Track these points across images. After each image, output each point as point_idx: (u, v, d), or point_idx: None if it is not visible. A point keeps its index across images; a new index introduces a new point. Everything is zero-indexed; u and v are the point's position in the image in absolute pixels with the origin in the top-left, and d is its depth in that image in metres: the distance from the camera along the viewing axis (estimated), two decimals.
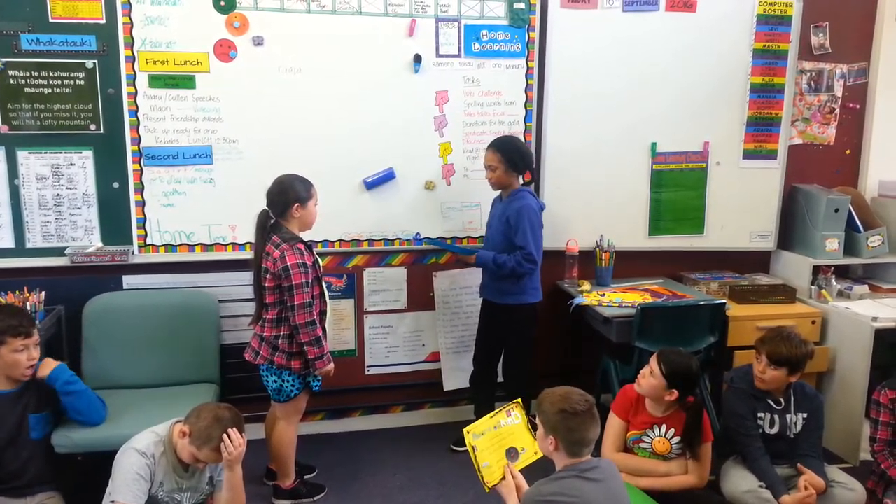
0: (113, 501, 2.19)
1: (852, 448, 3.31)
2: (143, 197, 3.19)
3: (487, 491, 2.18)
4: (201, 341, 3.16)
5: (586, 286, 3.52)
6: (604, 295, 3.41)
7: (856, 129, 3.96)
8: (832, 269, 3.69)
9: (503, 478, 2.16)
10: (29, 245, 3.13)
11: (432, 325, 3.64)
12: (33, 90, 3.03)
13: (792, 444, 2.73)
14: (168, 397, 2.92)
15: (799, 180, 3.86)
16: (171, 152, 3.18)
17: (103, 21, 3.03)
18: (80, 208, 3.15)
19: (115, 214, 3.18)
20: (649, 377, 2.58)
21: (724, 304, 3.28)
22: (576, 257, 3.56)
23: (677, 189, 3.71)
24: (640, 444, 2.65)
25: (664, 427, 2.62)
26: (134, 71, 3.09)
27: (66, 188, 3.13)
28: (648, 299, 3.35)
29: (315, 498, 3.00)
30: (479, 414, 3.18)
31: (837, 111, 3.92)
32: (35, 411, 2.56)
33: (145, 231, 3.21)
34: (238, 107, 3.20)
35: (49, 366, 2.56)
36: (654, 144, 3.65)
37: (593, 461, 2.04)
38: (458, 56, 3.41)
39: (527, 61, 3.49)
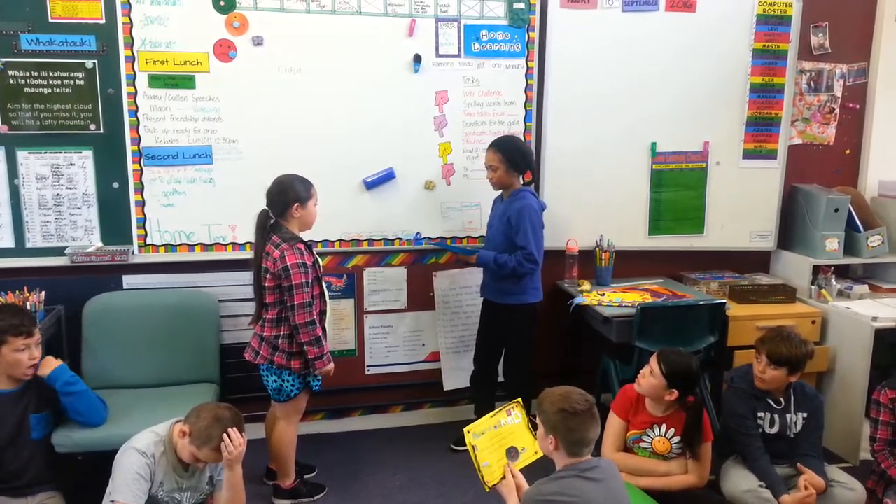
0: (113, 501, 2.19)
1: (852, 448, 3.31)
2: (142, 197, 3.19)
3: (488, 490, 2.18)
4: (201, 341, 3.16)
5: (586, 286, 3.52)
6: (604, 295, 3.41)
7: (855, 129, 3.96)
8: (832, 268, 3.69)
9: (503, 477, 2.16)
10: (29, 245, 3.13)
11: (432, 324, 3.64)
12: (33, 90, 3.03)
13: (792, 444, 2.73)
14: (168, 397, 2.92)
15: (799, 180, 3.87)
16: (170, 152, 3.18)
17: (103, 21, 3.04)
18: (80, 208, 3.15)
19: (115, 214, 3.18)
20: (649, 377, 2.58)
21: (724, 303, 3.29)
22: (576, 257, 3.56)
23: (677, 189, 3.71)
24: (640, 444, 2.65)
25: (664, 427, 2.62)
26: (134, 71, 3.09)
27: (66, 188, 3.13)
28: (648, 299, 3.35)
29: (315, 498, 3.00)
30: (480, 413, 3.18)
31: (837, 111, 3.92)
32: (36, 411, 2.56)
33: (145, 231, 3.21)
34: (238, 107, 3.20)
35: (50, 365, 2.56)
36: (653, 144, 3.65)
37: (593, 461, 2.04)
38: (458, 56, 3.41)
39: (526, 61, 3.49)
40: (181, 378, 3.08)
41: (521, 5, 3.42)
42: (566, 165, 3.59)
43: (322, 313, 2.77)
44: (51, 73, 3.03)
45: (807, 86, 3.86)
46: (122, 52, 3.06)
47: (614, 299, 3.35)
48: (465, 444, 2.26)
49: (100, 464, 2.41)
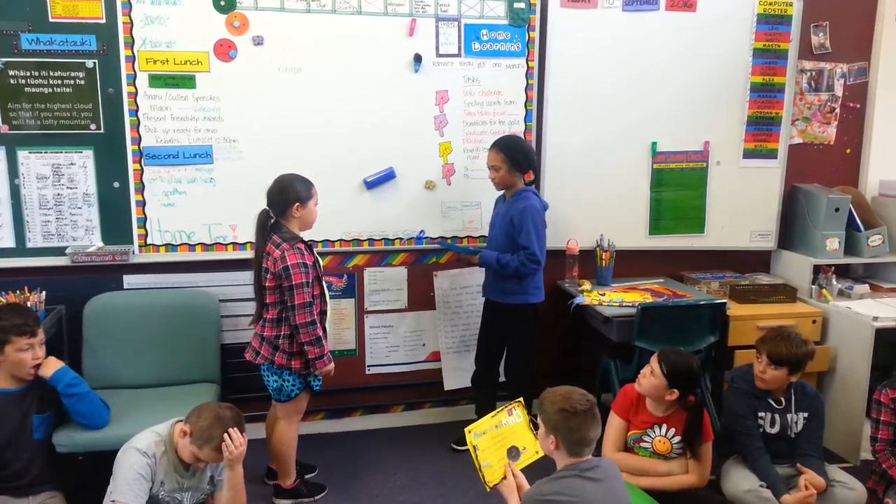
0: (114, 501, 2.19)
1: (853, 447, 3.31)
2: (143, 196, 3.19)
3: (488, 490, 2.18)
4: (202, 341, 3.16)
5: (587, 286, 3.52)
6: (604, 294, 3.41)
7: (856, 129, 3.96)
8: (833, 268, 3.69)
9: (504, 477, 2.16)
10: (29, 245, 3.13)
11: (433, 324, 3.64)
12: (33, 90, 3.03)
13: (792, 444, 2.73)
14: (169, 397, 2.92)
15: (799, 180, 3.86)
16: (171, 152, 3.18)
17: (103, 21, 3.03)
18: (80, 208, 3.15)
19: (116, 214, 3.18)
20: (650, 377, 2.58)
21: (725, 303, 3.28)
22: (576, 257, 3.56)
23: (678, 188, 3.71)
24: (641, 444, 2.65)
25: (665, 427, 2.62)
26: (134, 70, 3.09)
27: (67, 188, 3.13)
28: (649, 299, 3.35)
29: (315, 497, 3.00)
30: (481, 413, 3.17)
31: (838, 110, 3.92)
32: (38, 412, 2.56)
33: (146, 231, 3.21)
34: (238, 106, 3.20)
35: (52, 366, 2.55)
36: (654, 144, 3.65)
37: (594, 461, 2.04)
38: (458, 56, 3.41)
39: (527, 61, 3.49)
40: (182, 378, 3.08)
41: (522, 5, 3.42)
42: (566, 165, 3.59)
43: (322, 313, 2.77)
44: (51, 73, 3.03)
45: (807, 85, 3.85)
46: (123, 52, 3.06)
47: (615, 299, 3.35)
48: (465, 444, 2.26)
49: (100, 464, 2.42)
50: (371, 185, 3.40)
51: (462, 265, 3.56)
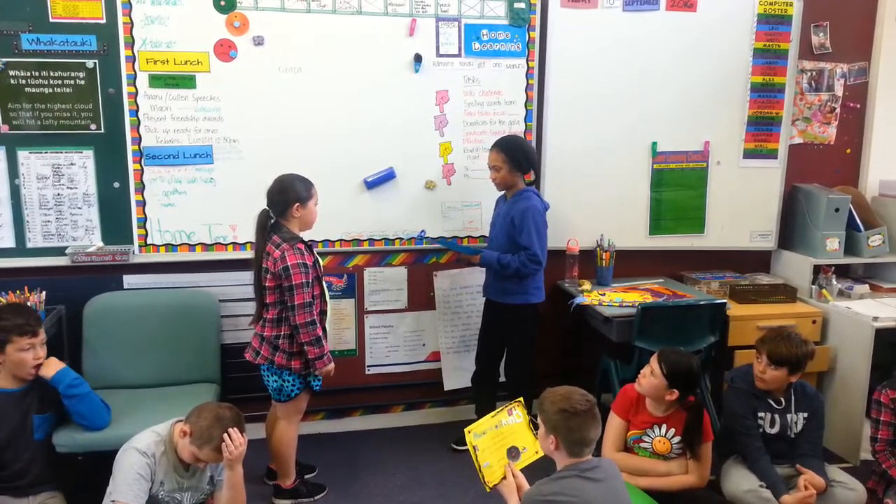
0: (113, 501, 2.19)
1: (853, 448, 3.31)
2: (143, 196, 3.19)
3: (488, 490, 2.18)
4: (202, 341, 3.16)
5: (587, 286, 3.52)
6: (604, 294, 3.41)
7: (856, 129, 3.96)
8: (833, 268, 3.69)
9: (504, 477, 2.16)
10: (29, 245, 3.14)
11: (433, 324, 3.64)
12: (34, 90, 3.03)
13: (792, 444, 2.73)
14: (168, 397, 2.92)
15: (799, 180, 3.86)
16: (171, 152, 3.18)
17: (103, 21, 3.03)
18: (80, 208, 3.15)
19: (116, 214, 3.18)
20: (650, 377, 2.58)
21: (725, 303, 3.28)
22: (576, 257, 3.56)
23: (678, 188, 3.71)
24: (641, 444, 2.65)
25: (664, 427, 2.62)
26: (134, 70, 3.09)
27: (67, 188, 3.13)
28: (649, 299, 3.35)
29: (315, 497, 3.00)
30: (481, 413, 3.17)
31: (838, 110, 3.92)
32: (39, 412, 2.56)
33: (146, 231, 3.21)
34: (238, 106, 3.20)
35: (53, 367, 2.55)
36: (654, 144, 3.65)
37: (594, 461, 2.04)
38: (459, 56, 3.41)
39: (527, 61, 3.49)
40: (182, 378, 3.08)
41: (522, 5, 3.42)
42: (566, 165, 3.59)
43: (322, 313, 2.77)
44: (51, 73, 3.03)
45: (807, 85, 3.85)
46: (123, 52, 3.06)
47: (615, 299, 3.35)
48: (465, 444, 2.26)
49: (100, 464, 2.42)
50: (371, 185, 3.40)
51: (462, 265, 3.57)
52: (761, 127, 3.73)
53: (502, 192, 3.27)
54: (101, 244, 3.18)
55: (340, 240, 3.43)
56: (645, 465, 2.63)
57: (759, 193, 3.78)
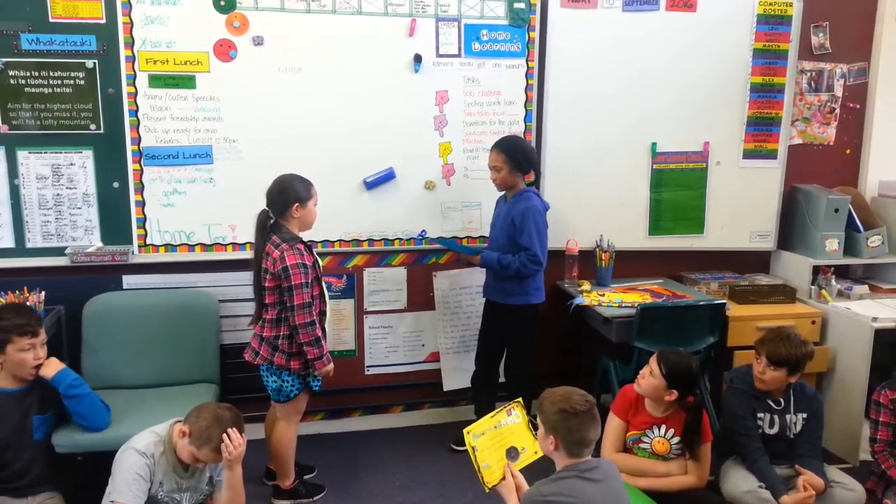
0: (112, 501, 2.19)
1: (852, 448, 3.31)
2: (143, 197, 3.19)
3: (487, 491, 2.18)
4: (201, 341, 3.16)
5: (586, 286, 3.52)
6: (603, 295, 3.41)
7: (856, 129, 3.96)
8: (832, 269, 3.69)
9: (503, 478, 2.16)
10: (29, 245, 3.13)
11: (432, 325, 3.64)
12: (33, 90, 3.03)
13: (791, 445, 2.73)
14: (168, 397, 2.92)
15: (799, 180, 3.86)
16: (171, 152, 3.18)
17: (103, 21, 3.03)
18: (80, 208, 3.15)
19: (115, 214, 3.18)
20: (649, 377, 2.58)
21: (724, 304, 3.29)
22: (576, 257, 3.56)
23: (677, 189, 3.71)
24: (640, 445, 2.65)
25: (664, 427, 2.62)
26: (134, 71, 3.09)
27: (66, 188, 3.13)
28: (648, 299, 3.35)
29: (315, 498, 3.00)
30: (480, 413, 3.18)
31: (837, 111, 3.92)
32: (39, 412, 2.55)
33: (145, 231, 3.21)
34: (238, 107, 3.20)
35: (54, 367, 2.55)
36: (654, 144, 3.65)
37: (593, 461, 2.04)
38: (458, 56, 3.41)
39: (527, 61, 3.49)
40: (181, 378, 3.08)
41: (522, 5, 3.42)
42: (566, 165, 3.59)
43: (322, 314, 2.77)
44: (51, 73, 3.03)
45: (807, 85, 3.85)
46: (123, 52, 3.06)
47: (614, 299, 3.35)
48: (465, 445, 2.25)
49: (99, 464, 2.42)
50: (371, 185, 3.40)
51: (461, 265, 3.57)
52: (761, 127, 3.73)
53: (503, 193, 3.27)
54: (100, 244, 3.18)
55: (340, 240, 3.43)
56: (644, 465, 2.63)
57: (758, 194, 3.78)
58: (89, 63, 3.06)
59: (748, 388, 2.76)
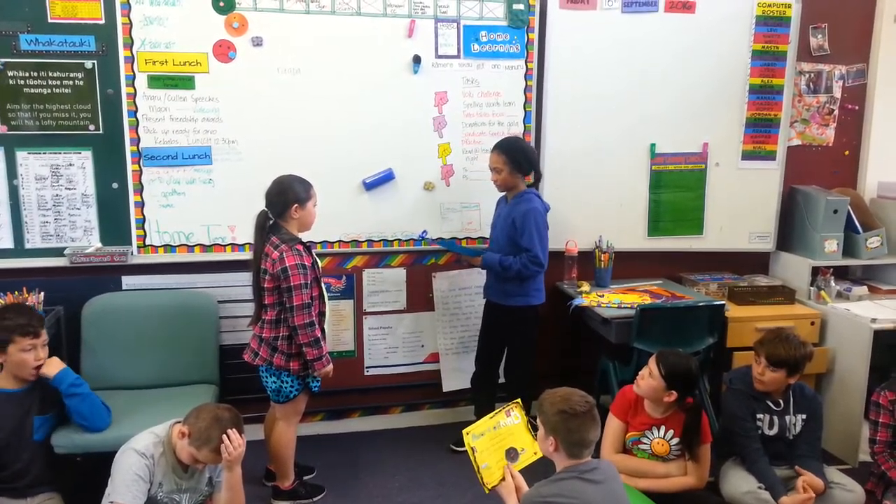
0: (112, 502, 2.18)
1: (851, 449, 3.31)
2: (142, 197, 3.19)
3: (487, 492, 2.18)
4: (200, 342, 3.16)
5: (585, 287, 3.52)
6: (603, 296, 3.41)
7: (855, 131, 3.97)
8: (831, 270, 3.69)
9: (503, 479, 2.16)
10: (28, 245, 3.13)
11: (431, 325, 3.64)
12: (32, 90, 3.03)
13: (791, 446, 2.73)
14: (167, 398, 2.92)
15: (798, 181, 3.87)
16: (170, 153, 3.18)
17: (102, 21, 3.03)
18: (79, 209, 3.15)
19: (115, 215, 3.18)
20: (648, 378, 2.58)
21: (723, 305, 3.29)
22: (575, 258, 3.57)
23: (676, 190, 3.71)
24: (639, 446, 2.65)
25: (663, 428, 2.62)
26: (133, 71, 3.09)
27: (66, 188, 3.13)
28: (647, 300, 3.35)
29: (314, 499, 3.00)
30: (480, 414, 3.18)
31: (836, 112, 3.92)
32: (40, 412, 2.55)
33: (144, 231, 3.21)
34: (237, 107, 3.20)
35: (55, 367, 2.56)
36: (653, 145, 3.65)
37: (593, 462, 2.04)
38: (458, 57, 3.41)
39: (526, 62, 3.49)
40: (180, 379, 3.07)
41: (521, 6, 3.42)
42: (565, 166, 3.59)
43: (321, 314, 2.77)
44: (50, 74, 3.03)
45: (806, 87, 3.86)
46: (122, 53, 3.06)
47: (613, 300, 3.35)
48: (464, 445, 2.25)
49: (99, 465, 2.41)
50: (370, 186, 3.40)
51: (461, 266, 3.57)
52: (760, 128, 3.73)
53: (503, 194, 3.27)
54: (99, 245, 3.18)
55: (339, 241, 3.43)
56: (644, 466, 2.63)
57: (757, 195, 3.78)
58: (88, 63, 3.06)
59: (747, 389, 2.76)
